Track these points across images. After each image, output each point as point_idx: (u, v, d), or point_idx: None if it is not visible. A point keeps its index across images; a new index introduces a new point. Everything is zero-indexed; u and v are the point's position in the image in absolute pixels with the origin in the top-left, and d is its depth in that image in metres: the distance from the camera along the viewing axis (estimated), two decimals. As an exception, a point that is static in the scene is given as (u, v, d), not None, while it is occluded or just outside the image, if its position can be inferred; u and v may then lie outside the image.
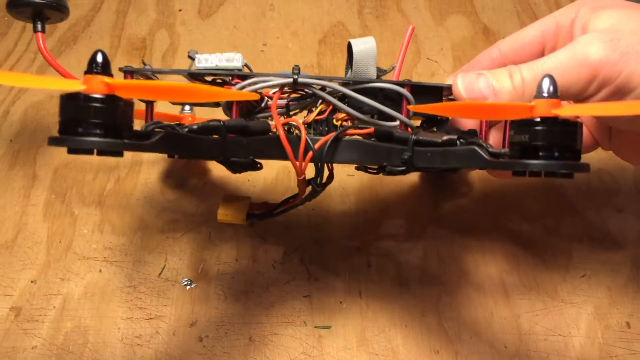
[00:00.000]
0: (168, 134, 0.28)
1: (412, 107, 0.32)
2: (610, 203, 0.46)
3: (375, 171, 0.38)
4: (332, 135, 0.33)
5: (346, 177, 0.47)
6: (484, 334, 0.40)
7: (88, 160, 0.48)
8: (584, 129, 0.37)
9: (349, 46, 0.34)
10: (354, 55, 0.33)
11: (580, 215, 0.46)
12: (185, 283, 0.42)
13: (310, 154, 0.32)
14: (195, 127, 0.30)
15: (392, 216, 0.46)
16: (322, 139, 0.32)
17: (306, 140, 0.32)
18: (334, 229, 0.45)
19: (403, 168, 0.32)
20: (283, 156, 0.32)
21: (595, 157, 0.44)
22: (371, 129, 0.33)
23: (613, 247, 0.44)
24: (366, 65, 0.34)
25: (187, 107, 0.46)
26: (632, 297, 0.41)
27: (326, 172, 0.35)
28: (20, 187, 0.46)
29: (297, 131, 0.33)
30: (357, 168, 0.40)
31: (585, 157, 0.40)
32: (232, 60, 0.33)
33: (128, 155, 0.48)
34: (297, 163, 0.32)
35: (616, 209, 0.46)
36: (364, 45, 0.34)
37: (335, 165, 0.37)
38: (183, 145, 0.29)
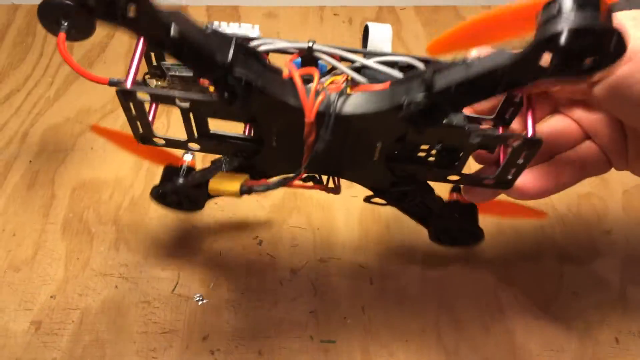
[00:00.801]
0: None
1: (429, 46, 0.30)
2: (599, 225, 0.49)
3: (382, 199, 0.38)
4: (345, 79, 0.31)
5: (350, 198, 0.49)
6: (481, 349, 0.42)
7: (104, 180, 0.50)
8: (595, 148, 0.34)
9: (366, 28, 0.33)
10: (370, 36, 0.33)
11: (571, 236, 0.48)
12: (198, 299, 0.44)
13: (322, 96, 0.29)
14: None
15: (393, 236, 0.48)
16: (336, 86, 0.30)
17: (318, 83, 0.30)
18: (338, 248, 0.47)
19: (424, 94, 0.27)
20: (294, 95, 0.29)
21: (585, 182, 0.46)
22: (387, 84, 0.30)
23: (602, 267, 0.46)
24: (381, 48, 0.33)
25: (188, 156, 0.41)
26: (620, 314, 0.44)
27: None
28: (40, 206, 0.49)
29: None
30: (365, 199, 0.39)
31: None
32: (249, 29, 0.34)
33: (142, 174, 0.51)
34: (308, 102, 0.29)
35: (605, 231, 0.48)
36: (380, 33, 0.33)
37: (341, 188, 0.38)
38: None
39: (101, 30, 0.63)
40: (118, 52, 0.61)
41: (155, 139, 0.34)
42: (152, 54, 0.34)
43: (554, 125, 0.33)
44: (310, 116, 0.29)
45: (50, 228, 0.47)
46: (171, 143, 0.34)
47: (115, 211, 0.49)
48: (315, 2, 0.68)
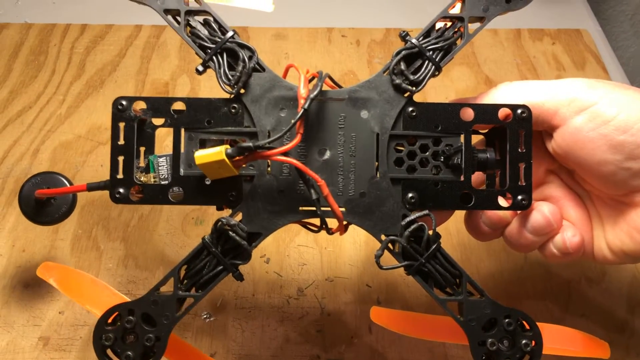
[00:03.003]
0: None
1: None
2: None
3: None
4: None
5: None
6: (488, 370, 0.42)
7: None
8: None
9: None
10: None
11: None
12: (205, 316, 0.44)
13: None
14: None
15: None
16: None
17: None
18: (345, 267, 0.47)
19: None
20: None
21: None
22: None
23: (609, 289, 0.46)
24: None
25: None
26: (628, 337, 0.44)
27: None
28: (49, 222, 0.49)
29: None
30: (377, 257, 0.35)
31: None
32: None
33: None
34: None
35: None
36: None
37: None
38: None
39: (113, 49, 0.64)
40: (129, 71, 0.62)
41: (133, 193, 0.33)
42: (142, 149, 0.34)
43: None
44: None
45: (59, 244, 0.48)
46: (151, 192, 0.33)
47: (124, 228, 0.49)
48: (324, 24, 0.69)
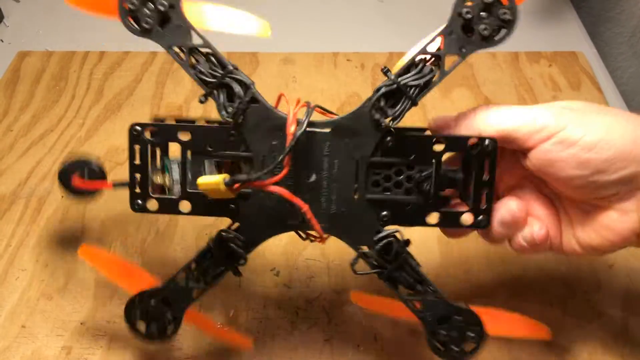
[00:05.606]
0: None
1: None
2: (601, 259, 0.51)
3: None
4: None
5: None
6: (488, 377, 0.44)
7: (131, 213, 0.53)
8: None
9: None
10: None
11: (574, 270, 0.50)
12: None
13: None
14: None
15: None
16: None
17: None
18: (351, 279, 0.49)
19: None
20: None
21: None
22: None
23: (604, 300, 0.48)
24: None
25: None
26: (622, 345, 0.46)
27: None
28: (71, 238, 0.52)
29: None
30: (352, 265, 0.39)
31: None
32: None
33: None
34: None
35: (607, 265, 0.51)
36: None
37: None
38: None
39: (130, 75, 0.68)
40: (145, 95, 0.66)
41: (149, 202, 0.38)
42: (157, 150, 0.38)
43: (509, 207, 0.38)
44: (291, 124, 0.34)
45: (80, 259, 0.50)
46: (164, 204, 0.38)
47: (141, 243, 0.52)
48: (330, 49, 0.72)
